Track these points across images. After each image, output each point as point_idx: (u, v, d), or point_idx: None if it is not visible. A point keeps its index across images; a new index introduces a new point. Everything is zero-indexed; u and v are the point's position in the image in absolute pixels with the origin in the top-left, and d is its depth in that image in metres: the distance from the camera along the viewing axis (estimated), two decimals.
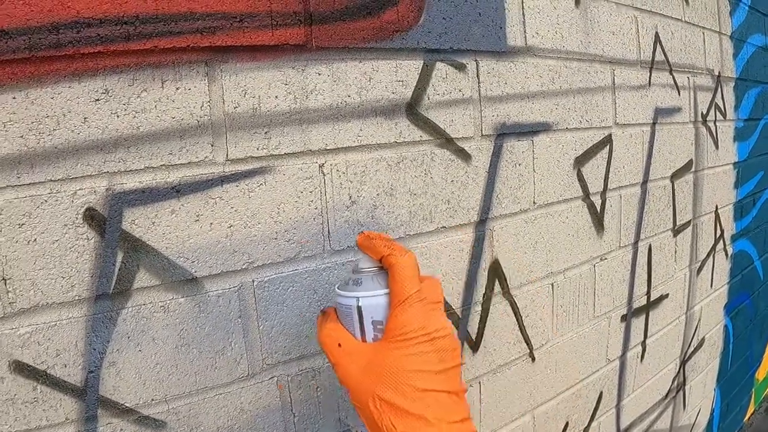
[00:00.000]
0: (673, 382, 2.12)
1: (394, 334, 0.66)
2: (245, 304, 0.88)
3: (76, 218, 0.73)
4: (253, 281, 0.89)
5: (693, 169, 2.03)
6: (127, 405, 0.80)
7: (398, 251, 0.69)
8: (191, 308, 0.83)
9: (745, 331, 2.82)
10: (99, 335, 0.76)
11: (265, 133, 0.87)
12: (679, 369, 2.16)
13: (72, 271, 0.74)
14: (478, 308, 1.22)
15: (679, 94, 1.89)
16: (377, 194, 1.01)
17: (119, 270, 0.77)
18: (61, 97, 0.71)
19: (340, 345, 0.69)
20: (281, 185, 0.90)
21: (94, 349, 0.76)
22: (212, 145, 0.82)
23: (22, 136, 0.68)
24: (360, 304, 0.69)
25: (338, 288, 0.73)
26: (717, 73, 2.16)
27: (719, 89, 2.19)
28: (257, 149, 0.87)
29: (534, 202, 1.31)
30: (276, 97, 0.88)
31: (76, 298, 0.74)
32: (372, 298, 0.69)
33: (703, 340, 2.33)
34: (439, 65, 1.07)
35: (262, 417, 0.92)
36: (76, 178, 0.73)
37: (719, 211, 2.30)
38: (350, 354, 0.69)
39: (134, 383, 0.80)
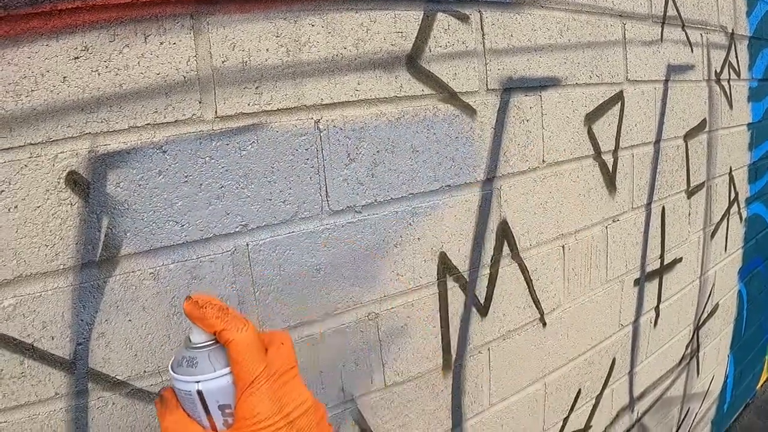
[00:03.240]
0: (686, 348, 2.10)
1: (246, 424, 0.59)
2: (240, 269, 0.84)
3: (58, 183, 0.70)
4: (247, 245, 0.85)
5: (707, 129, 1.98)
6: (118, 378, 0.77)
7: (233, 324, 0.62)
8: (183, 275, 0.80)
9: (759, 297, 2.79)
10: (86, 305, 0.73)
11: (256, 88, 0.83)
12: (693, 335, 2.13)
13: (55, 239, 0.70)
14: (487, 271, 1.19)
15: (692, 51, 1.83)
16: (377, 151, 0.97)
17: (105, 236, 0.73)
18: (38, 56, 0.67)
19: None
20: (274, 143, 0.85)
21: (82, 320, 0.73)
22: (200, 102, 0.78)
23: None
24: (200, 388, 0.61)
25: (172, 368, 0.64)
26: (730, 31, 2.09)
27: (733, 47, 2.13)
28: (248, 105, 0.82)
29: (543, 161, 1.27)
30: (267, 50, 0.83)
31: (61, 267, 0.71)
32: (212, 381, 0.61)
33: (717, 305, 2.30)
34: (440, 16, 1.02)
35: None
36: (57, 140, 0.69)
37: (733, 173, 2.25)
38: None
39: (125, 355, 0.77)
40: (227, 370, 0.61)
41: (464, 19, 1.06)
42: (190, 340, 0.64)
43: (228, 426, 0.62)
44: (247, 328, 0.61)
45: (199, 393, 0.61)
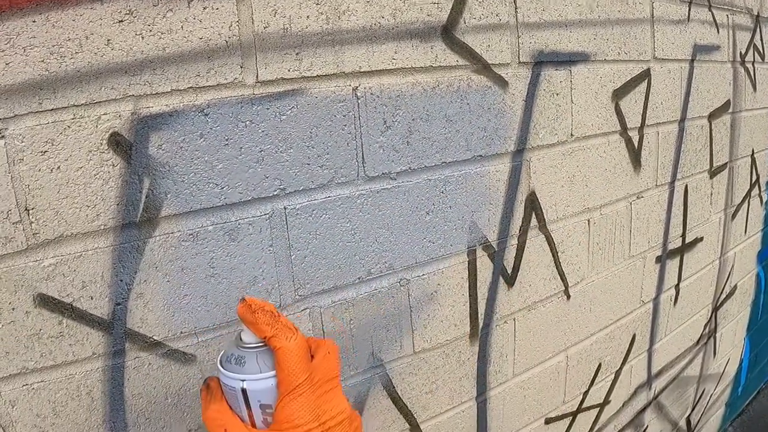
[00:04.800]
0: (704, 328, 2.10)
1: (283, 427, 0.61)
2: (277, 232, 0.86)
3: (101, 144, 0.70)
4: (284, 208, 0.86)
5: (731, 110, 1.97)
6: (155, 338, 0.78)
7: (283, 332, 0.62)
8: (221, 236, 0.81)
9: None
10: (126, 266, 0.74)
11: (297, 54, 0.83)
12: (711, 315, 2.13)
13: (97, 200, 0.71)
14: (514, 242, 1.19)
15: (718, 32, 1.81)
16: (413, 119, 0.97)
17: (146, 197, 0.75)
18: (83, 18, 0.67)
19: (225, 431, 0.63)
20: (313, 108, 0.86)
21: (121, 281, 0.74)
22: (242, 67, 0.79)
23: (43, 61, 0.65)
24: (245, 386, 0.63)
25: (220, 363, 0.66)
26: (756, 13, 2.07)
27: (758, 30, 2.11)
28: (288, 71, 0.83)
29: (571, 134, 1.27)
30: (307, 17, 0.84)
31: (102, 227, 0.72)
32: (257, 382, 0.63)
33: (735, 287, 2.29)
34: None
35: None
36: (101, 102, 0.70)
37: (755, 155, 2.23)
38: None
39: (162, 315, 0.78)
40: (272, 373, 0.63)
41: None
42: (240, 339, 0.66)
43: (267, 424, 0.64)
44: (295, 337, 0.62)
45: (243, 391, 0.63)
